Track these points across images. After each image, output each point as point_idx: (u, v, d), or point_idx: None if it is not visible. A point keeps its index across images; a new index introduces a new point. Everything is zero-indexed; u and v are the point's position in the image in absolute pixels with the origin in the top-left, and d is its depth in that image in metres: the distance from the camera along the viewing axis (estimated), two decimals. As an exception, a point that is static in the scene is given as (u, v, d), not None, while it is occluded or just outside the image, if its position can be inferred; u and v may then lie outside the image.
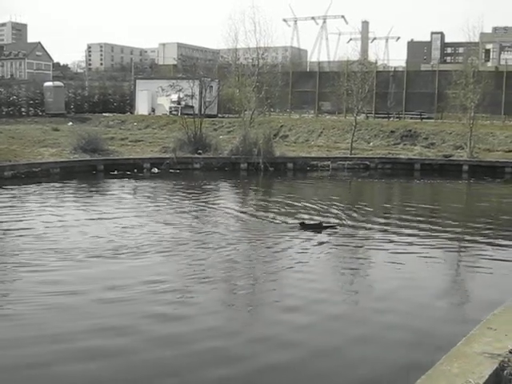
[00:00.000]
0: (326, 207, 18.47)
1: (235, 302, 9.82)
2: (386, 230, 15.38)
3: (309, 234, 14.15)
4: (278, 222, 15.82)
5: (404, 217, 17.51)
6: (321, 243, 13.45)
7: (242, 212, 17.62)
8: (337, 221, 15.93)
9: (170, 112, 42.83)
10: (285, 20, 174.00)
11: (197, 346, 7.70)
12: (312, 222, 15.05)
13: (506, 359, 5.59)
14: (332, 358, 7.59)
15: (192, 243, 13.04)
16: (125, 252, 12.02)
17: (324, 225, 14.93)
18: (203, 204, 19.00)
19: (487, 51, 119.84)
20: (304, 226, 14.65)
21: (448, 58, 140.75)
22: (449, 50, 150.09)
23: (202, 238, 13.65)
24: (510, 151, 31.91)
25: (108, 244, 12.64)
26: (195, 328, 8.32)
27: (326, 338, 8.24)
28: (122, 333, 8.11)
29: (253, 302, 9.82)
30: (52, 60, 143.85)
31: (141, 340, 7.91)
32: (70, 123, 39.40)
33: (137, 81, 50.44)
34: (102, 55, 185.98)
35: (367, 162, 29.66)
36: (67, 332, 8.05)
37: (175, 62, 77.71)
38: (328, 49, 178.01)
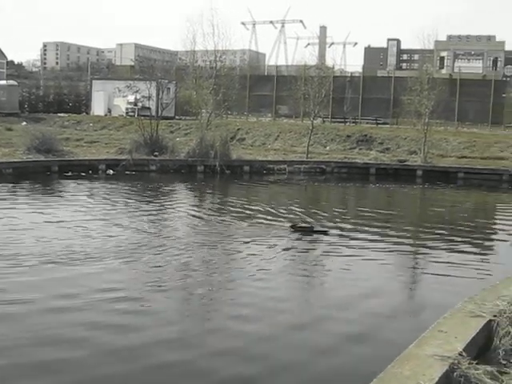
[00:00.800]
0: (283, 211, 18.51)
1: (192, 312, 9.46)
2: (343, 236, 15.24)
3: (270, 240, 14.01)
4: (237, 226, 15.72)
5: (360, 221, 17.55)
6: (284, 249, 13.27)
7: (199, 216, 17.41)
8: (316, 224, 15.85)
9: (127, 113, 42.53)
10: (243, 23, 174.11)
11: (151, 361, 7.29)
12: (303, 225, 15.10)
13: (456, 361, 5.67)
14: (292, 371, 7.37)
15: (149, 248, 12.64)
16: (79, 257, 11.57)
17: (315, 229, 14.95)
18: (160, 207, 18.87)
19: (442, 59, 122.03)
20: (295, 229, 14.72)
21: (404, 65, 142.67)
22: (404, 57, 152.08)
23: (159, 242, 13.31)
24: (462, 157, 32.55)
25: (61, 249, 12.12)
26: (150, 340, 7.89)
27: (287, 350, 7.94)
28: (71, 346, 7.69)
29: (210, 312, 9.46)
30: (6, 58, 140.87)
31: (92, 354, 7.50)
32: (24, 123, 38.72)
33: (93, 81, 49.97)
34: (57, 54, 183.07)
35: (323, 166, 29.87)
36: (11, 346, 7.51)
37: (132, 63, 77.11)
38: (286, 53, 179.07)
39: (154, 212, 17.74)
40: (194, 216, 17.24)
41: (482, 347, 6.66)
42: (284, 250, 13.27)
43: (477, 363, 5.92)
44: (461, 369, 5.59)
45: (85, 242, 12.95)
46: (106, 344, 7.79)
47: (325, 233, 14.87)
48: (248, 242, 13.74)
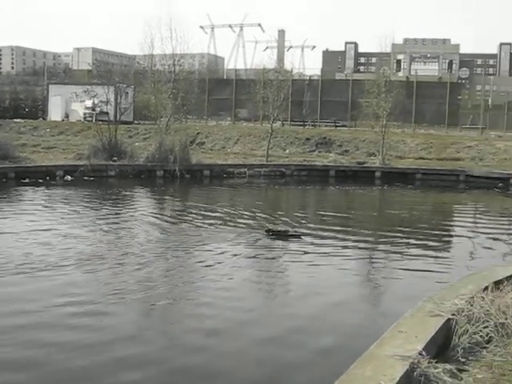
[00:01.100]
0: (245, 215, 18.55)
1: (153, 325, 9.04)
2: (305, 241, 14.91)
3: (233, 246, 13.93)
4: (199, 232, 15.51)
5: (322, 225, 17.58)
6: (248, 256, 13.10)
7: (161, 222, 17.15)
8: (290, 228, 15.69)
9: (85, 118, 41.98)
10: (202, 27, 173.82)
11: (108, 380, 7.01)
12: (278, 229, 15.11)
13: (416, 361, 5.72)
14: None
15: (108, 258, 12.30)
16: (35, 268, 11.04)
17: (289, 233, 14.90)
18: (120, 214, 18.66)
19: (398, 61, 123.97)
20: (270, 233, 14.80)
21: (361, 68, 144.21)
22: (362, 60, 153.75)
23: (119, 251, 12.97)
24: (420, 158, 33.04)
25: (17, 259, 11.65)
26: (106, 358, 7.48)
27: (252, 365, 7.69)
28: (22, 366, 7.20)
29: (172, 325, 9.11)
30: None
31: (45, 374, 7.07)
32: (-21, 129, 37.97)
33: (50, 86, 49.13)
34: (13, 59, 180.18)
35: (283, 169, 29.97)
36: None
37: (90, 67, 76.44)
38: (245, 56, 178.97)
39: (114, 219, 17.44)
40: (155, 223, 17.03)
41: (441, 346, 6.74)
42: (247, 256, 13.09)
43: (436, 362, 5.98)
44: (421, 368, 5.65)
45: (41, 251, 12.44)
46: (63, 363, 7.34)
47: (299, 237, 14.84)
48: (211, 249, 13.58)
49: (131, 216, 18.13)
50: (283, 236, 14.70)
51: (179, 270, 11.90)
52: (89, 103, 38.58)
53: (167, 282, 10.98)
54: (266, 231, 14.98)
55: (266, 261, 13.20)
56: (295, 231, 15.31)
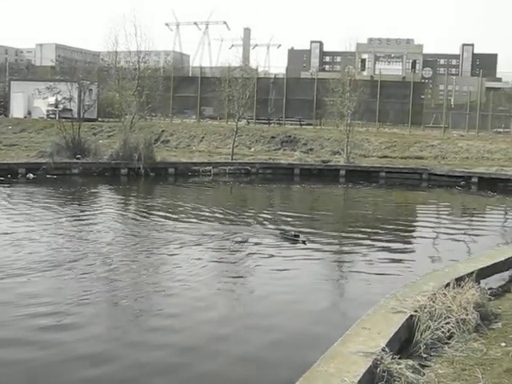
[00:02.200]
0: (209, 214, 18.54)
1: (115, 325, 8.88)
2: (273, 240, 14.95)
3: (200, 245, 13.87)
4: (164, 230, 15.40)
5: (289, 223, 17.69)
6: (215, 254, 13.10)
7: (125, 221, 17.01)
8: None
9: (48, 115, 41.42)
10: (167, 24, 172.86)
11: (70, 377, 7.03)
12: (292, 233, 14.81)
13: (379, 357, 5.78)
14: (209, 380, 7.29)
15: (72, 258, 11.99)
16: None
17: (300, 239, 14.47)
18: (84, 212, 18.44)
19: (363, 61, 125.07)
20: (283, 236, 14.69)
21: (326, 67, 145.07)
22: (327, 59, 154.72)
23: (83, 251, 12.69)
24: (384, 157, 33.37)
25: None
26: (68, 357, 7.50)
27: (207, 360, 7.75)
28: None
29: (135, 324, 8.91)
30: None
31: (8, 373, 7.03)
32: None
33: (12, 82, 48.35)
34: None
35: (248, 167, 30.00)
36: None
37: (53, 64, 75.52)
38: (210, 54, 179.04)
39: (78, 218, 17.22)
40: (119, 221, 16.93)
41: (404, 342, 6.82)
42: (211, 260, 12.82)
43: (399, 358, 6.06)
44: (384, 364, 5.71)
45: (5, 252, 12.20)
46: (24, 361, 7.33)
47: (304, 243, 14.36)
48: (177, 248, 13.50)
49: (95, 215, 17.90)
50: (294, 240, 14.41)
51: (144, 270, 11.67)
52: (52, 100, 38.10)
53: (131, 281, 10.80)
54: (280, 233, 14.98)
55: (230, 264, 12.90)
56: (305, 237, 14.74)
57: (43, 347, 7.80)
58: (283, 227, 15.82)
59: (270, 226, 16.84)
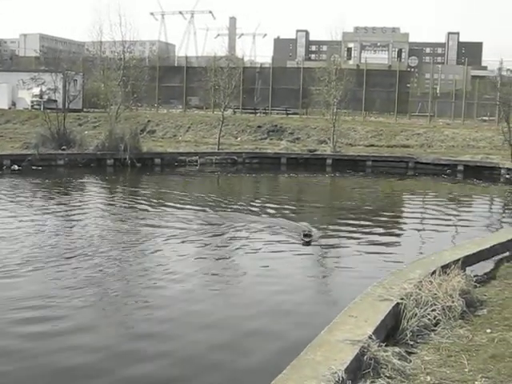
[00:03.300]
0: (197, 205, 18.51)
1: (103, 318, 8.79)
2: (260, 229, 15.05)
3: (187, 237, 13.77)
4: (152, 223, 15.30)
5: (276, 213, 17.71)
6: (196, 253, 12.72)
7: (112, 213, 16.85)
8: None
9: (32, 106, 41.12)
10: (152, 13, 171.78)
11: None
12: (312, 233, 13.79)
13: (366, 345, 5.81)
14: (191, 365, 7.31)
15: (58, 251, 11.88)
16: None
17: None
18: (70, 204, 18.27)
19: (349, 50, 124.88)
20: (306, 237, 13.52)
21: (312, 56, 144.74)
22: (313, 48, 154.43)
23: (68, 244, 12.58)
24: (370, 145, 33.45)
25: None
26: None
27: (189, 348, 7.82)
28: None
29: (123, 324, 8.68)
30: None
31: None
32: None
33: (-5, 73, 48.00)
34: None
35: (235, 157, 29.94)
36: None
37: (37, 54, 74.93)
38: (196, 44, 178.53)
39: (63, 210, 17.08)
40: (106, 213, 16.83)
41: (390, 329, 6.85)
42: (199, 256, 12.55)
43: (386, 345, 6.09)
44: (371, 351, 5.73)
45: None
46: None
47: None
48: (164, 240, 13.39)
49: (81, 207, 17.76)
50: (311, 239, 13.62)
51: (131, 263, 11.56)
52: (36, 91, 37.84)
53: (118, 275, 10.69)
54: (304, 235, 13.58)
55: (220, 251, 13.03)
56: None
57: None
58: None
59: (262, 215, 16.88)
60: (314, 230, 14.44)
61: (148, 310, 9.10)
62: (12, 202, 18.14)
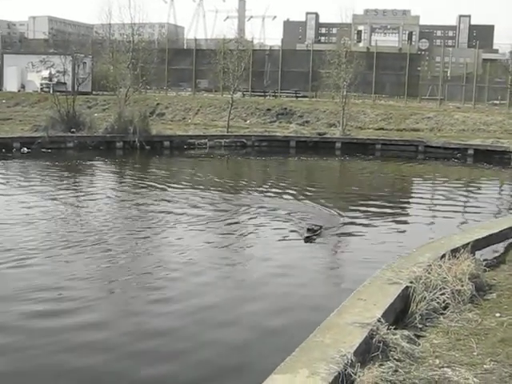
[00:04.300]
0: (207, 190, 18.51)
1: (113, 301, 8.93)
2: (268, 213, 15.08)
3: (197, 223, 13.60)
4: (162, 208, 15.21)
5: (285, 196, 17.71)
6: (212, 241, 12.44)
7: (123, 199, 16.70)
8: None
9: (42, 89, 41.06)
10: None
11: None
12: (315, 228, 12.68)
13: (375, 327, 5.82)
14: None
15: (69, 235, 11.84)
16: None
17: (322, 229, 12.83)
18: (79, 187, 18.39)
19: (359, 32, 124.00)
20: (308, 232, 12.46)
21: (322, 38, 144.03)
22: (323, 30, 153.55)
23: (79, 228, 12.57)
24: (380, 129, 33.27)
25: None
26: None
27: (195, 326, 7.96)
28: None
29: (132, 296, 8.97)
30: None
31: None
32: None
33: (4, 55, 47.81)
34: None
35: (244, 140, 29.90)
36: None
37: (46, 37, 74.84)
38: (205, 26, 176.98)
39: (73, 195, 17.06)
40: (116, 198, 16.86)
41: (399, 313, 6.86)
42: (214, 244, 12.27)
43: (395, 328, 6.10)
44: (379, 334, 5.75)
45: (3, 234, 11.86)
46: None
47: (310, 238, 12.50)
48: (173, 226, 13.31)
49: (91, 190, 17.87)
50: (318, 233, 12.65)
51: (140, 248, 11.53)
52: (46, 73, 37.86)
53: (127, 260, 10.70)
54: (308, 230, 12.53)
55: (228, 237, 12.99)
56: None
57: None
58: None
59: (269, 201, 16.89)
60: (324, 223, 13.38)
61: (161, 303, 8.91)
62: (20, 186, 18.15)
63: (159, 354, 7.04)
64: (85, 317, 8.10)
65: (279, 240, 12.48)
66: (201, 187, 18.67)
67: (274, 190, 18.78)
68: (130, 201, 15.98)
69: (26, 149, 24.98)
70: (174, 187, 18.45)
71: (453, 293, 7.14)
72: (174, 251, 11.31)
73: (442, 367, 5.51)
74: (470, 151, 28.55)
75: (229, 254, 11.55)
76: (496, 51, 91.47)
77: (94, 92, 42.35)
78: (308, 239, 12.20)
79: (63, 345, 7.27)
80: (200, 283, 9.69)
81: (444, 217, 15.48)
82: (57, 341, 7.35)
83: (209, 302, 8.82)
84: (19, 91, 43.11)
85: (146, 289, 9.30)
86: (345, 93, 31.27)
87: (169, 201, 16.08)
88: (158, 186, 18.57)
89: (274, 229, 13.37)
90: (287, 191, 18.42)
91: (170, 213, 14.46)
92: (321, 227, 12.82)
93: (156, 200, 16.12)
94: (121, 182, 20.50)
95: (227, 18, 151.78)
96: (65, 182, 19.42)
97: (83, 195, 16.90)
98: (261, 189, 18.92)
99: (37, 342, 7.28)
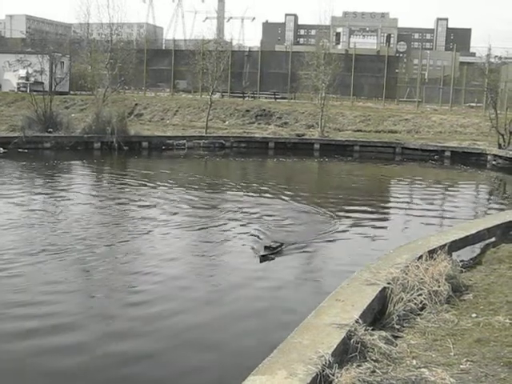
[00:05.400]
0: (184, 193, 18.44)
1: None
2: (245, 211, 15.16)
3: (173, 223, 13.69)
4: (139, 208, 15.16)
5: (261, 198, 17.69)
6: (188, 241, 12.41)
7: (99, 198, 16.67)
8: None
9: (18, 88, 40.69)
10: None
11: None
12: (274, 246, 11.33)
13: (353, 328, 5.83)
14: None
15: (43, 239, 11.53)
16: None
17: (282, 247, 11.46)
18: (56, 188, 18.07)
19: (338, 34, 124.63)
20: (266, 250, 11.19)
21: (301, 40, 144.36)
22: (302, 32, 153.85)
23: (54, 231, 12.28)
24: (358, 130, 33.45)
25: None
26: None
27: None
28: None
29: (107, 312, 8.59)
30: None
31: None
32: None
33: (-19, 54, 47.41)
34: None
35: (223, 141, 29.91)
36: None
37: (23, 36, 74.06)
38: (184, 27, 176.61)
39: (50, 194, 16.93)
40: (92, 199, 16.70)
41: (377, 314, 6.88)
42: (190, 243, 12.28)
43: (372, 329, 6.11)
44: (357, 335, 5.75)
45: None
46: None
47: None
48: (152, 226, 13.25)
49: (68, 191, 17.56)
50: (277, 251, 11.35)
51: (118, 248, 11.45)
52: (22, 73, 37.51)
53: (103, 260, 10.54)
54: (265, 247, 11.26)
55: (206, 238, 12.97)
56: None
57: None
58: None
59: (250, 202, 16.87)
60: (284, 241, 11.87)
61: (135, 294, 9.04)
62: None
63: (131, 355, 7.01)
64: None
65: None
66: (179, 188, 18.58)
67: (250, 193, 18.65)
68: (107, 202, 15.80)
69: (1, 149, 24.71)
70: (151, 188, 18.35)
71: (430, 293, 7.17)
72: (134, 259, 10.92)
73: (419, 367, 5.53)
74: (447, 153, 28.84)
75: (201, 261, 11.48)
76: (473, 54, 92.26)
77: (71, 92, 42.02)
78: (264, 258, 10.94)
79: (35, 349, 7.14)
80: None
81: (421, 218, 15.54)
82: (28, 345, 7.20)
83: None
84: (-5, 90, 42.68)
85: (119, 291, 9.22)
86: (323, 94, 31.41)
87: (147, 204, 15.86)
88: (135, 187, 18.42)
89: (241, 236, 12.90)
90: (264, 195, 18.22)
91: (145, 218, 14.05)
92: (281, 245, 11.43)
93: (132, 201, 15.99)
94: (98, 183, 20.37)
95: (206, 18, 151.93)
96: (41, 182, 19.21)
97: (59, 197, 16.58)
98: (239, 192, 18.81)
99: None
